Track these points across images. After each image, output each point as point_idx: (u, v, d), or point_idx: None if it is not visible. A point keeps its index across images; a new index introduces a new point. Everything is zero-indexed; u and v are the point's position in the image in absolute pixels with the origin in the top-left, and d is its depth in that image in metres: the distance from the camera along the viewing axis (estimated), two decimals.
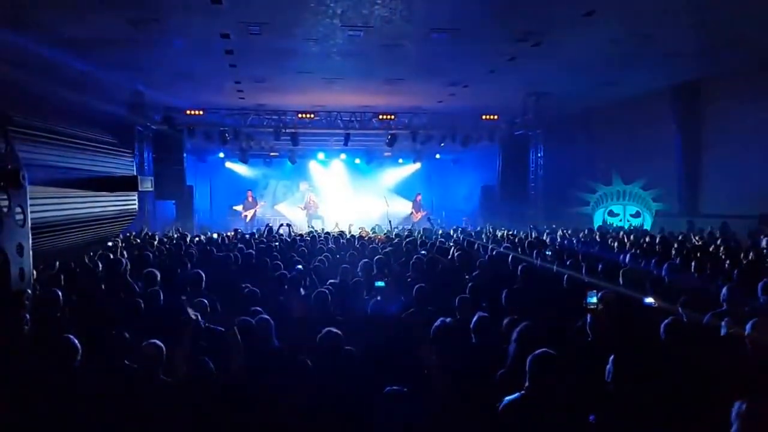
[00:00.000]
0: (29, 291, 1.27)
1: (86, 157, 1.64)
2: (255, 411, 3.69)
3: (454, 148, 20.56)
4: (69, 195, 1.52)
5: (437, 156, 22.79)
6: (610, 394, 3.48)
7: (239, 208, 24.02)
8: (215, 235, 13.42)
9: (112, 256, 7.94)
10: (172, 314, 4.80)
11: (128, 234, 11.45)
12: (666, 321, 4.17)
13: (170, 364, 3.85)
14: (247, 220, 22.80)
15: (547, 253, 8.77)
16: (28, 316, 1.26)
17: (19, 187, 1.26)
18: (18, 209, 1.26)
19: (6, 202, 1.22)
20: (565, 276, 6.72)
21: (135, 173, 1.85)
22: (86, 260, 7.45)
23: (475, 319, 4.49)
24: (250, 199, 23.86)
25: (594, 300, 4.73)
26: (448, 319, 4.36)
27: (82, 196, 1.58)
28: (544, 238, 12.17)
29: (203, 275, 6.47)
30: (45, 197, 1.42)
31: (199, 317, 4.18)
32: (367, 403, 3.56)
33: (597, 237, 12.51)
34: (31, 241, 1.29)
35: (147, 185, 1.73)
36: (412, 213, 24.14)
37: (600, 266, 6.92)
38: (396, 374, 3.98)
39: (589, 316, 4.58)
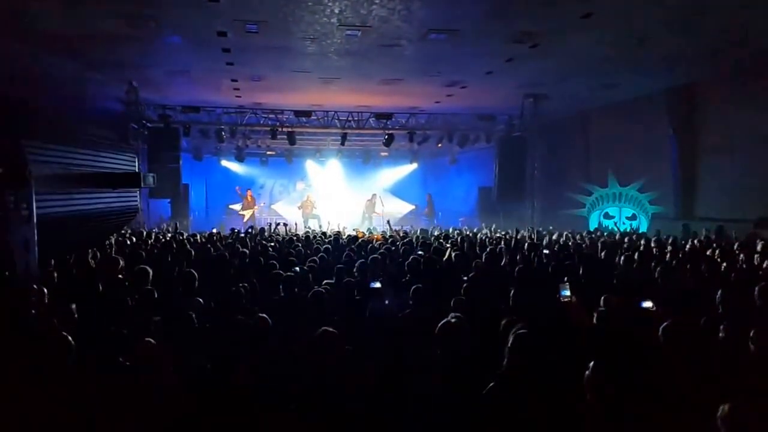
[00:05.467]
0: (35, 286, 1.26)
1: (89, 155, 1.62)
2: (252, 410, 3.69)
3: (451, 149, 20.58)
4: (73, 192, 1.50)
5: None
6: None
7: (236, 207, 23.80)
8: (214, 231, 13.40)
9: (110, 253, 7.90)
10: (167, 313, 4.79)
11: (124, 231, 11.39)
12: (664, 324, 4.17)
13: (165, 363, 3.83)
14: (245, 219, 22.38)
15: (545, 252, 8.80)
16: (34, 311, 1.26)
17: (25, 184, 1.26)
18: (24, 205, 1.26)
19: (13, 198, 1.22)
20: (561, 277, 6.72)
21: (137, 170, 1.83)
22: (85, 257, 7.40)
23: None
24: (249, 198, 23.45)
25: (567, 293, 4.85)
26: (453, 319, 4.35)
27: (85, 192, 1.57)
28: (542, 239, 12.20)
29: (196, 274, 6.43)
30: (49, 194, 1.41)
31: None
32: (365, 402, 3.56)
33: (591, 240, 12.53)
34: (36, 236, 1.29)
35: (149, 182, 1.71)
36: (426, 211, 24.38)
37: (595, 268, 6.95)
38: (393, 373, 4.00)
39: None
